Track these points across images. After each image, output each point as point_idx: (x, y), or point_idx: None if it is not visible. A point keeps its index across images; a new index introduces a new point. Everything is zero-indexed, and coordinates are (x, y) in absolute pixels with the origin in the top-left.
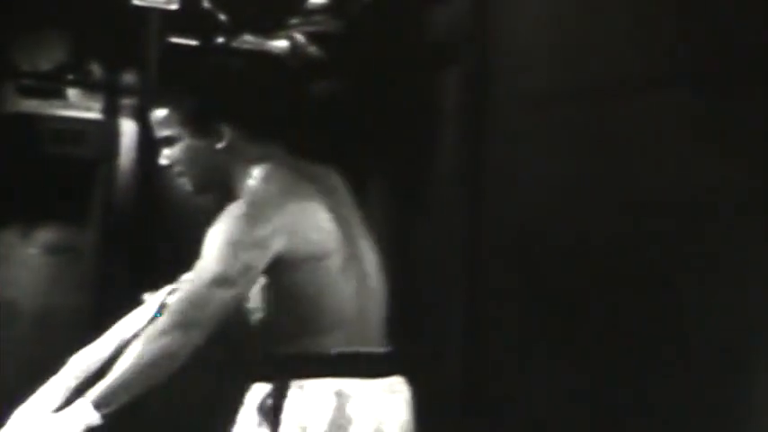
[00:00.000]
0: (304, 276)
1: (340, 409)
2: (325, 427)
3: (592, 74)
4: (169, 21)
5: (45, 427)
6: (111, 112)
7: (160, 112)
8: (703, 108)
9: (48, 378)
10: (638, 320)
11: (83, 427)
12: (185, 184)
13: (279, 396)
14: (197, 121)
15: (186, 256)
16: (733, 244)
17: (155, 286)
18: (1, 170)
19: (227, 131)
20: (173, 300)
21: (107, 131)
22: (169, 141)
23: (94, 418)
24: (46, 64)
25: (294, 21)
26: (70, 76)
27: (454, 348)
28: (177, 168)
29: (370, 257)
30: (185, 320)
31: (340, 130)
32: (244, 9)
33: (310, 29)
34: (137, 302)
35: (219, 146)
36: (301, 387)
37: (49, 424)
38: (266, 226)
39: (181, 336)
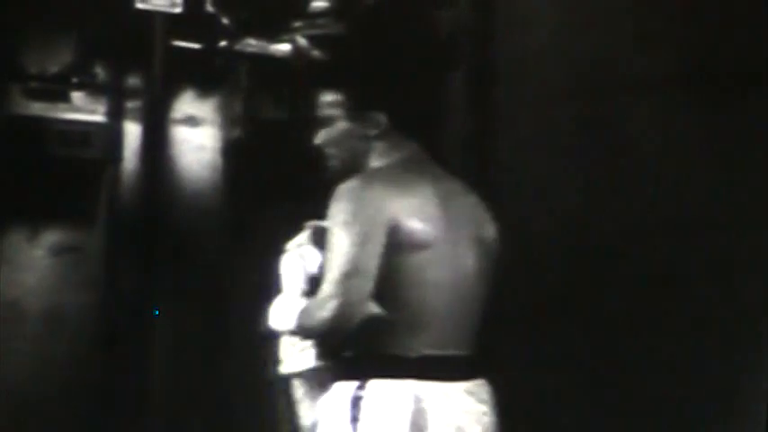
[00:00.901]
0: (401, 265)
1: (419, 412)
2: (405, 429)
3: (595, 74)
4: (173, 24)
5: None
6: (117, 115)
7: (325, 93)
8: (705, 108)
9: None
10: (641, 317)
11: None
12: (332, 165)
13: (359, 396)
14: (357, 105)
15: (190, 255)
16: (734, 243)
17: (159, 288)
18: (7, 172)
19: (382, 120)
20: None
21: (112, 134)
22: (326, 121)
23: None
24: (52, 67)
25: (297, 24)
26: (76, 79)
27: None
28: (328, 150)
29: (473, 258)
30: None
31: None
32: (246, 13)
33: (313, 32)
34: (141, 303)
35: (372, 133)
36: (382, 388)
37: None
38: (368, 205)
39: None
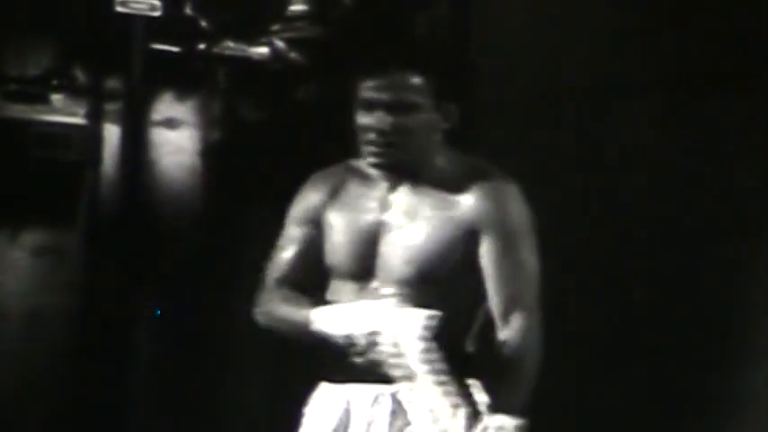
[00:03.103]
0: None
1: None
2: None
3: (576, 78)
4: (153, 27)
5: None
6: (96, 117)
7: (410, 76)
8: (685, 110)
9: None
10: (633, 317)
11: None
12: (387, 154)
13: (469, 394)
14: (446, 94)
15: (169, 257)
16: (729, 244)
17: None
18: None
19: (454, 113)
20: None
21: (92, 136)
22: (404, 108)
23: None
24: (31, 70)
25: (275, 27)
26: (55, 82)
27: None
28: (392, 138)
29: None
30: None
31: (321, 136)
32: (225, 16)
33: (291, 35)
34: (121, 305)
35: (445, 126)
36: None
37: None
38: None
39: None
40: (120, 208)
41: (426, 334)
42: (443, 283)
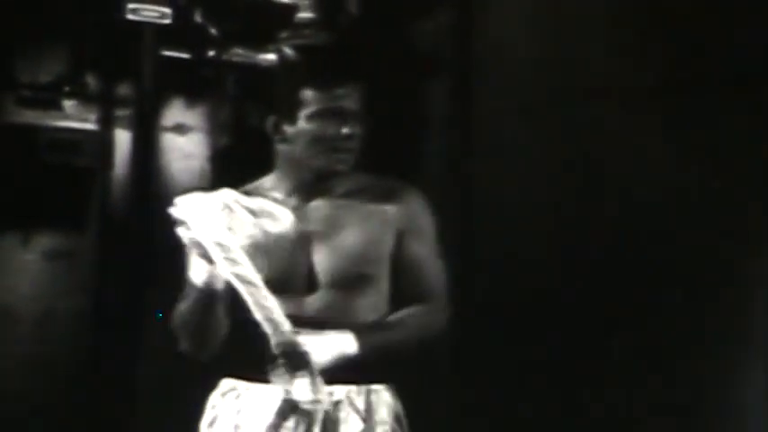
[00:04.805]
0: None
1: None
2: None
3: (575, 85)
4: (163, 34)
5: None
6: (107, 123)
7: (352, 86)
8: (677, 116)
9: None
10: (625, 324)
11: (338, 353)
12: (348, 161)
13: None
14: (368, 102)
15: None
16: (729, 244)
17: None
18: (0, 179)
19: (370, 123)
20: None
21: (103, 141)
22: (352, 116)
23: (352, 347)
24: (43, 76)
25: (283, 34)
26: (67, 88)
27: (439, 359)
28: (353, 144)
29: None
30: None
31: None
32: (234, 23)
33: (299, 42)
34: (131, 308)
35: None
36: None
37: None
38: None
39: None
40: (130, 212)
41: (221, 215)
42: (371, 284)
